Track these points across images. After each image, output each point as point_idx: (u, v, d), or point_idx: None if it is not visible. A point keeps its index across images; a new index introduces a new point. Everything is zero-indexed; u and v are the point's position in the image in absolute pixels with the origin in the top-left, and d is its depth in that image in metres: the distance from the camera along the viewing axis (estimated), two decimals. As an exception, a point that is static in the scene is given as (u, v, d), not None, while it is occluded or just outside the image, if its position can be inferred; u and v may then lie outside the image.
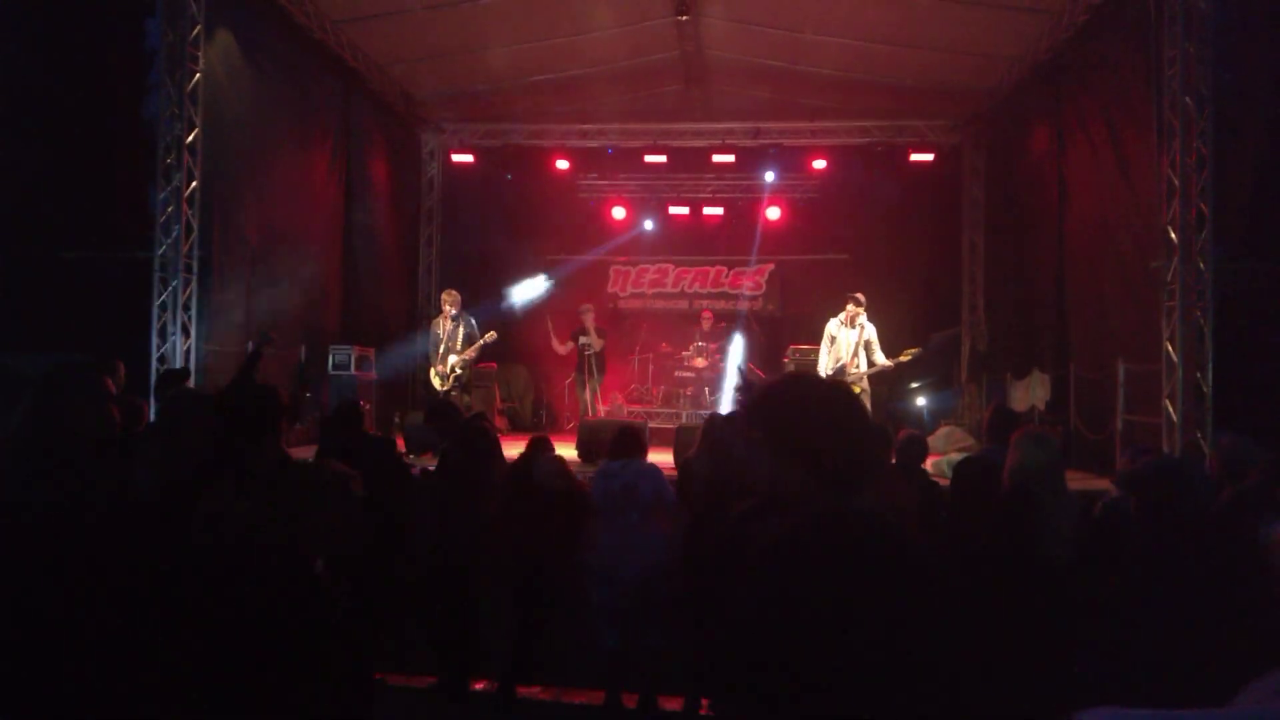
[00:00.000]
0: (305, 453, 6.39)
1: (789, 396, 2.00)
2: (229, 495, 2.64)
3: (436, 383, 11.23)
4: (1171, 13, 8.36)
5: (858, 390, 10.27)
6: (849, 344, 10.49)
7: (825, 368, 10.57)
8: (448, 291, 11.49)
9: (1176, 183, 8.37)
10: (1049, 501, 3.65)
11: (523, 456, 5.77)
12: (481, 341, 11.16)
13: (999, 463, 3.90)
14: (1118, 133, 9.60)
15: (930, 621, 1.73)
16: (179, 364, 9.10)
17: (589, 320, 12.91)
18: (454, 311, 11.23)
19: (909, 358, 10.30)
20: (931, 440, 9.47)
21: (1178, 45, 8.32)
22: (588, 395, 12.82)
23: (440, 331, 11.25)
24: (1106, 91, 9.89)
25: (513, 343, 12.34)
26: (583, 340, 12.80)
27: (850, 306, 10.51)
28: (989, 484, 3.87)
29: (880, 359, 10.42)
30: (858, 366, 10.41)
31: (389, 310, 14.15)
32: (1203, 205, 8.41)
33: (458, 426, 5.77)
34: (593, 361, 12.73)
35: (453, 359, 11.13)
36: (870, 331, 10.52)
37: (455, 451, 5.62)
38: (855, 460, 1.88)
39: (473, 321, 11.27)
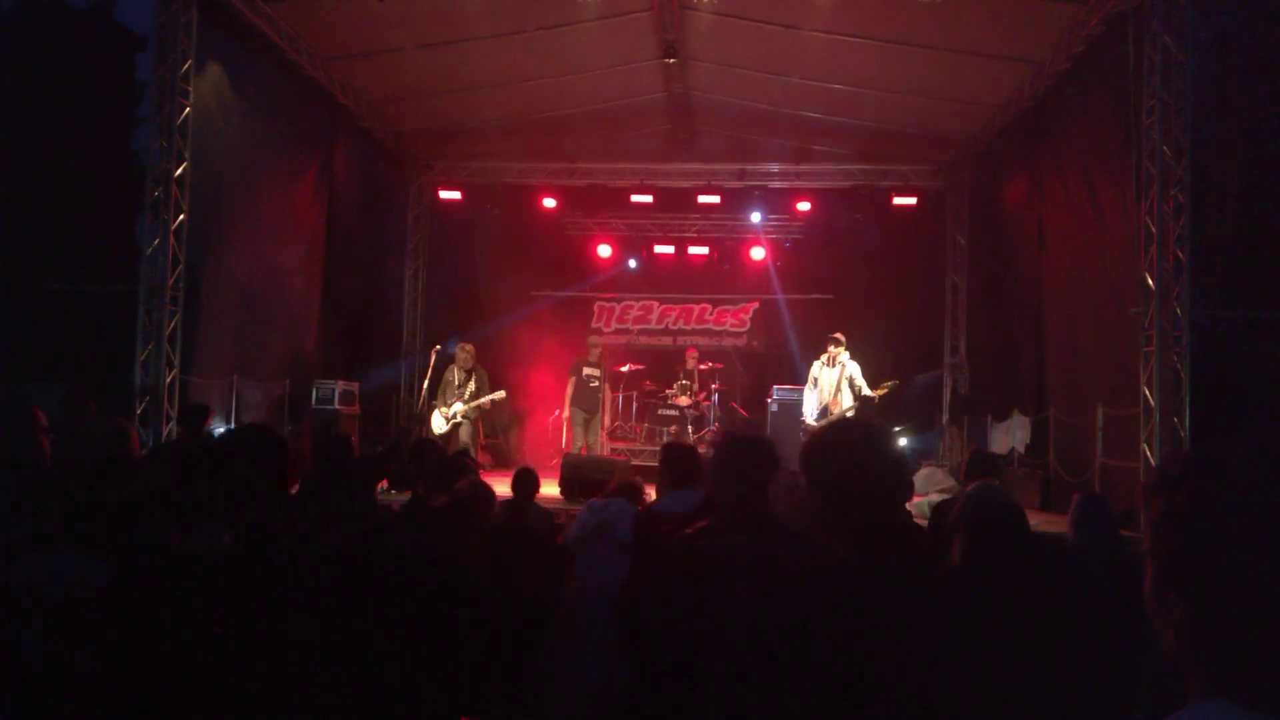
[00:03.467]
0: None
1: (826, 443, 2.08)
2: None
3: (438, 423, 11.29)
4: (1150, 64, 8.51)
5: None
6: (830, 384, 10.58)
7: (810, 411, 10.66)
8: (463, 345, 11.68)
9: (1154, 230, 8.48)
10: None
11: (514, 501, 5.86)
12: (490, 398, 11.43)
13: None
14: (1096, 180, 9.74)
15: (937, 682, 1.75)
16: (163, 397, 9.10)
17: (596, 354, 12.93)
18: (470, 365, 11.46)
19: (887, 389, 10.39)
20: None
21: (1156, 95, 8.48)
22: (587, 433, 12.73)
23: (453, 379, 11.43)
24: (1086, 139, 10.05)
25: (495, 379, 12.33)
26: (586, 372, 12.75)
27: (830, 347, 10.62)
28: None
29: (866, 391, 10.50)
30: (840, 405, 10.48)
31: (373, 345, 14.16)
32: (1180, 253, 8.52)
33: (436, 466, 5.80)
34: (595, 396, 12.70)
35: (459, 405, 11.24)
36: (852, 368, 10.62)
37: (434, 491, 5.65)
38: (875, 510, 1.93)
39: (484, 377, 11.59)
